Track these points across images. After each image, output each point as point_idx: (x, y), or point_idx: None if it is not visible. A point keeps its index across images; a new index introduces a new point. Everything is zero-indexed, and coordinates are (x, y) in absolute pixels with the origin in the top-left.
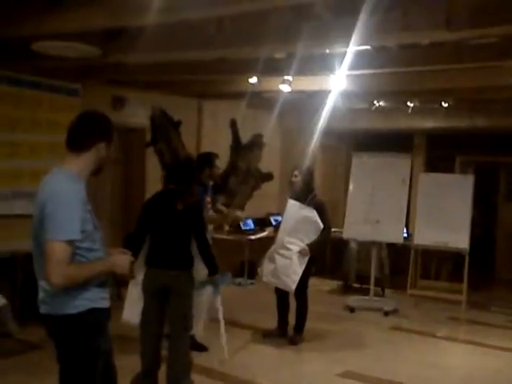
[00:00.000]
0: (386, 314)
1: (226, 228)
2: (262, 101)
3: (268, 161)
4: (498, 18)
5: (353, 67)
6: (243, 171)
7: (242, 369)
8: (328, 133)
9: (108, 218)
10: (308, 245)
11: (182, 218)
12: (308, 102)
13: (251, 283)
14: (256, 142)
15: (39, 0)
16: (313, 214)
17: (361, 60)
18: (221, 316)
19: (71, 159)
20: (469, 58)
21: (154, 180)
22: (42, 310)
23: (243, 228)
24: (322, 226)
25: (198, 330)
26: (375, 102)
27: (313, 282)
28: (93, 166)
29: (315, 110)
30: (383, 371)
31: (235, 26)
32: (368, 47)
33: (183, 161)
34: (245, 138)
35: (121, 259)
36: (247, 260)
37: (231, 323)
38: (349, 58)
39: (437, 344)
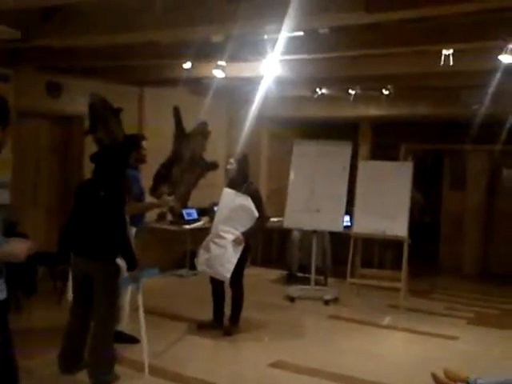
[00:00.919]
0: (326, 302)
1: (169, 218)
2: (205, 87)
3: (213, 149)
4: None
5: (286, 52)
6: (187, 160)
7: (173, 361)
8: (275, 120)
9: (46, 207)
10: (243, 233)
11: (101, 206)
12: (252, 89)
13: (194, 274)
14: (200, 131)
15: None
16: (247, 202)
17: (293, 45)
18: (141, 312)
19: None
20: (404, 41)
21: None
22: None
23: (186, 218)
24: (256, 214)
25: (123, 322)
26: (317, 89)
27: (258, 271)
28: None
29: (261, 97)
30: (316, 361)
31: (167, 7)
32: (301, 33)
33: (104, 150)
34: (189, 125)
35: (16, 247)
36: (189, 250)
37: (168, 316)
38: (282, 43)
39: (374, 332)
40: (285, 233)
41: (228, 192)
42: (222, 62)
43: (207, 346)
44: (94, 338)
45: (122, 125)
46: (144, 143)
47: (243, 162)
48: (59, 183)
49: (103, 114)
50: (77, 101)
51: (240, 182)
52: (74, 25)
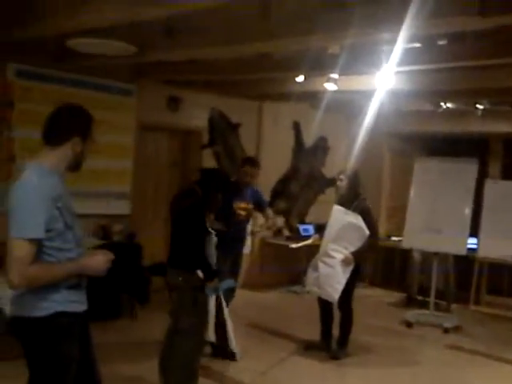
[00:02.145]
0: (446, 330)
1: (285, 234)
2: (323, 101)
3: (333, 164)
4: None
5: (402, 63)
6: (306, 175)
7: (274, 382)
8: (396, 135)
9: (165, 219)
10: (352, 253)
11: (181, 217)
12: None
13: (308, 292)
14: (320, 146)
15: None
16: (357, 220)
17: (410, 56)
18: (229, 325)
19: (45, 153)
20: None
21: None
22: (10, 311)
23: (303, 234)
24: (367, 232)
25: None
26: (442, 103)
27: (376, 292)
28: (69, 161)
29: (381, 112)
30: None
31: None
32: (417, 44)
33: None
34: (308, 140)
35: (94, 260)
36: (304, 267)
37: (277, 333)
38: (398, 53)
39: (500, 368)
40: (406, 253)
41: (337, 209)
42: (334, 75)
43: (312, 368)
44: (173, 349)
45: (240, 139)
46: (246, 168)
47: (354, 178)
48: None
49: (222, 128)
50: (195, 114)
51: (350, 199)
52: (192, 38)
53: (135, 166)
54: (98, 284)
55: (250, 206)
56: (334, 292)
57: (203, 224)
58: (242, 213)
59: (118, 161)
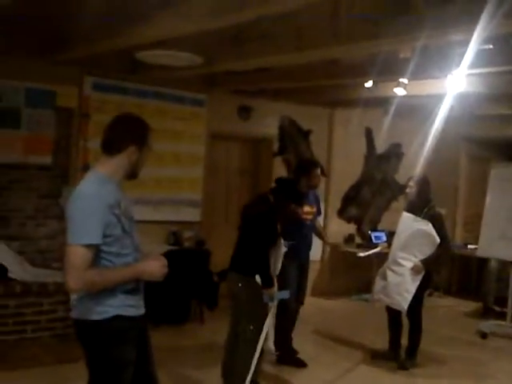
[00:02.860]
0: None
1: (357, 241)
2: (396, 107)
3: (407, 171)
4: None
5: (474, 66)
6: (378, 182)
7: None
8: (473, 140)
9: (236, 225)
10: (422, 261)
11: (251, 223)
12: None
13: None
14: (393, 152)
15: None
16: (428, 227)
17: (483, 58)
18: (271, 332)
19: (104, 161)
20: None
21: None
22: (72, 313)
23: (374, 241)
24: (438, 240)
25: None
26: None
27: (451, 301)
28: (125, 170)
29: (453, 115)
30: None
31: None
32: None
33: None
34: (380, 146)
35: (151, 266)
36: (374, 275)
37: (344, 341)
38: (470, 55)
39: None
40: (482, 261)
41: (406, 216)
42: (404, 80)
43: (379, 379)
44: (233, 353)
45: (311, 147)
46: (317, 171)
47: (423, 184)
48: None
49: (292, 135)
50: (266, 123)
51: (420, 205)
52: (260, 46)
53: (206, 174)
54: (168, 288)
55: (314, 209)
56: (403, 301)
57: (273, 231)
58: (308, 216)
59: (189, 169)
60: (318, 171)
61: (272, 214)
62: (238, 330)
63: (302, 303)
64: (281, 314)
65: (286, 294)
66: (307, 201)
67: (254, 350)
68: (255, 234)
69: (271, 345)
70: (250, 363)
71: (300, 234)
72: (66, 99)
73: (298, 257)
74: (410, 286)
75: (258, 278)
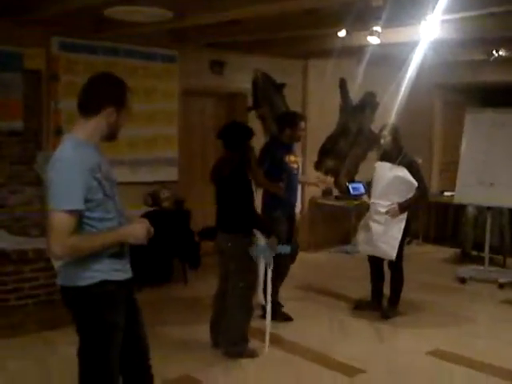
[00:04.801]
0: (501, 286)
1: (335, 193)
2: (370, 56)
3: (383, 120)
4: None
5: (448, 11)
6: (354, 133)
7: (321, 343)
8: (448, 87)
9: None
10: (398, 203)
11: (227, 183)
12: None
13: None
14: (368, 102)
15: None
16: (404, 173)
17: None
18: (269, 286)
19: (80, 124)
20: None
21: (256, 145)
22: (58, 280)
23: (352, 193)
24: (415, 184)
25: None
26: (494, 51)
27: (430, 248)
28: (103, 132)
29: (427, 63)
30: (481, 352)
31: None
32: None
33: (229, 127)
34: (356, 97)
35: (135, 228)
36: (353, 226)
37: (326, 293)
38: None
39: None
40: (459, 208)
41: (382, 165)
42: (377, 28)
43: (362, 328)
44: (227, 310)
45: (286, 100)
46: (302, 124)
47: (397, 133)
48: None
49: (266, 89)
50: (240, 77)
51: (395, 154)
52: None
53: (181, 132)
54: (149, 250)
55: (299, 158)
56: (391, 249)
57: (248, 186)
58: (295, 165)
59: (164, 127)
60: (303, 124)
61: (242, 167)
62: (226, 288)
63: (293, 261)
64: (275, 268)
65: (286, 249)
66: (292, 151)
67: (246, 306)
68: (234, 194)
69: (261, 298)
70: (244, 318)
71: (290, 185)
72: (33, 61)
73: (289, 208)
74: (396, 232)
75: (257, 233)
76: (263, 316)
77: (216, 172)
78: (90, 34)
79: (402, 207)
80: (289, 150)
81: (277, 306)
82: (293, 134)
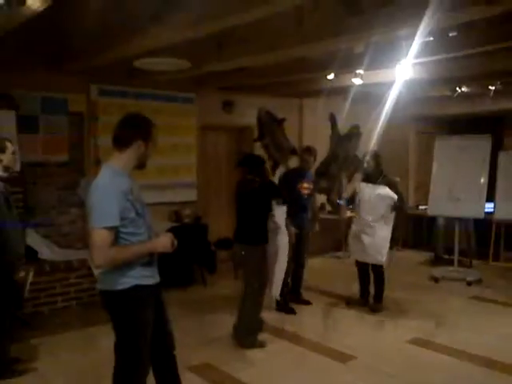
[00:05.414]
0: (469, 284)
1: (328, 208)
2: (356, 95)
3: (365, 147)
4: None
5: (419, 55)
6: (342, 158)
7: (316, 332)
8: (420, 119)
9: (226, 202)
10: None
11: (248, 199)
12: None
13: (349, 256)
14: (353, 133)
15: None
16: (385, 190)
17: (426, 48)
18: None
19: (115, 155)
20: None
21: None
22: (98, 285)
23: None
24: (395, 197)
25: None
26: (457, 88)
27: (408, 253)
28: (135, 162)
29: (402, 99)
30: (455, 340)
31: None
32: (430, 38)
33: (249, 157)
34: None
35: (162, 240)
36: (345, 236)
37: (321, 291)
38: (416, 47)
39: None
40: (433, 219)
41: (365, 186)
42: (360, 71)
43: (352, 321)
44: (241, 307)
45: (285, 132)
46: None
47: (378, 158)
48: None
49: (269, 124)
50: (246, 114)
51: (376, 175)
52: (239, 49)
53: (199, 161)
54: (174, 258)
55: (311, 185)
56: (381, 256)
57: (266, 204)
58: (306, 191)
59: (185, 157)
60: (307, 157)
61: (262, 187)
62: (246, 291)
63: (302, 266)
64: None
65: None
66: (305, 179)
67: (258, 303)
68: (252, 208)
69: (277, 294)
70: (256, 313)
71: (300, 205)
72: (76, 105)
73: (296, 224)
74: (385, 241)
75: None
76: (277, 309)
77: (239, 191)
78: (123, 81)
79: (396, 207)
80: (301, 178)
81: (287, 299)
82: (301, 165)
